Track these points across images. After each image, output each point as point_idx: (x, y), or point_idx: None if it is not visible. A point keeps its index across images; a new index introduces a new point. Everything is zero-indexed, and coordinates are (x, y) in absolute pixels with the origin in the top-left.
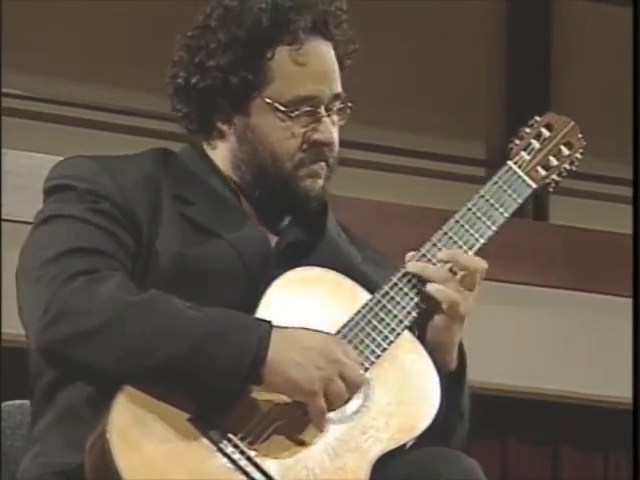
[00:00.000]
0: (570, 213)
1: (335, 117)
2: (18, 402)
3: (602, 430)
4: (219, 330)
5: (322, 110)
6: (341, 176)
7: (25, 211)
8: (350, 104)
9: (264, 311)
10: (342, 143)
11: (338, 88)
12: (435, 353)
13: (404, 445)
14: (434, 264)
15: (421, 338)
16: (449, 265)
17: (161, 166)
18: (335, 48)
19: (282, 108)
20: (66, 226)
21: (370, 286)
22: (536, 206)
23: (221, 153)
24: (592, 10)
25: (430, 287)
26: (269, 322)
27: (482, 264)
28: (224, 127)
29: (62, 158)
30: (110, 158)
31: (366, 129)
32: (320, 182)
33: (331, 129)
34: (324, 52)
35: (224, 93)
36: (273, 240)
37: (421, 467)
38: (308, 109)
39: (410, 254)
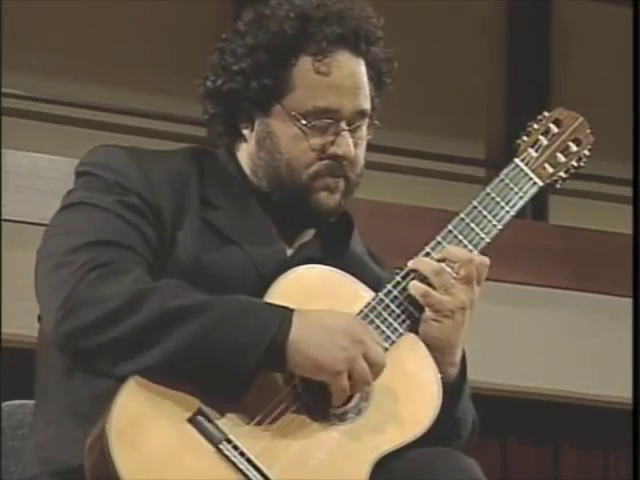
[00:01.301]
0: (570, 213)
1: (361, 134)
2: (18, 402)
3: (602, 430)
4: (240, 310)
5: (343, 124)
6: None
7: (25, 211)
8: (377, 122)
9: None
10: None
11: (363, 104)
12: (430, 352)
13: (404, 446)
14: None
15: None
16: (446, 262)
17: (194, 165)
18: (368, 64)
19: (301, 118)
20: (95, 216)
21: None
22: (536, 206)
23: (242, 158)
24: (592, 10)
25: (410, 284)
26: (288, 307)
27: (480, 257)
28: (246, 131)
29: (62, 158)
30: (144, 151)
31: None
32: (336, 197)
33: (350, 144)
34: (350, 66)
35: (245, 98)
36: (290, 252)
37: (419, 467)
38: (328, 121)
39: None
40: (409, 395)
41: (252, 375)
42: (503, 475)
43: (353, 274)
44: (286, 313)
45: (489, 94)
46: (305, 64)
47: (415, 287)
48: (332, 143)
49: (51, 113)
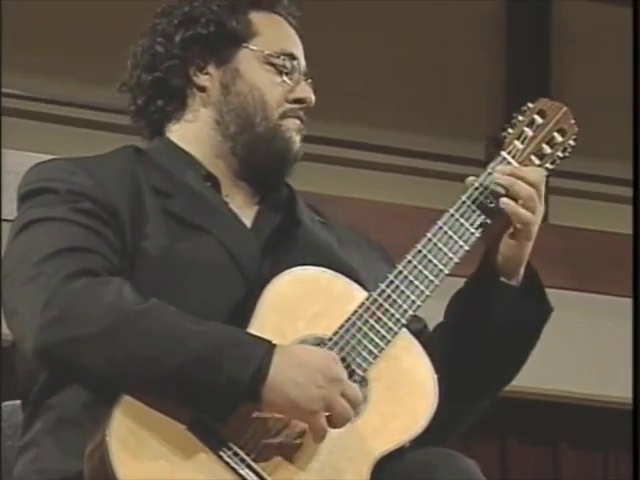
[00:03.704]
0: (570, 213)
1: None
2: (18, 402)
3: (602, 430)
4: (220, 344)
5: (302, 74)
6: (341, 176)
7: None
8: (310, 79)
9: (262, 315)
10: (343, 143)
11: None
12: (505, 265)
13: (403, 446)
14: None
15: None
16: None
17: (135, 162)
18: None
19: (271, 57)
20: (53, 228)
21: (350, 273)
22: None
23: (199, 118)
24: (592, 10)
25: (506, 204)
26: (270, 341)
27: (540, 177)
28: (204, 80)
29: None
30: (85, 158)
31: (366, 129)
32: (299, 141)
33: (311, 91)
34: (289, 25)
35: (209, 41)
36: (249, 224)
37: (419, 468)
38: (293, 64)
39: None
40: (407, 393)
41: (232, 410)
42: (503, 475)
43: (308, 245)
44: (266, 353)
45: (489, 94)
46: (260, 15)
47: (518, 215)
48: (296, 87)
49: (51, 113)
